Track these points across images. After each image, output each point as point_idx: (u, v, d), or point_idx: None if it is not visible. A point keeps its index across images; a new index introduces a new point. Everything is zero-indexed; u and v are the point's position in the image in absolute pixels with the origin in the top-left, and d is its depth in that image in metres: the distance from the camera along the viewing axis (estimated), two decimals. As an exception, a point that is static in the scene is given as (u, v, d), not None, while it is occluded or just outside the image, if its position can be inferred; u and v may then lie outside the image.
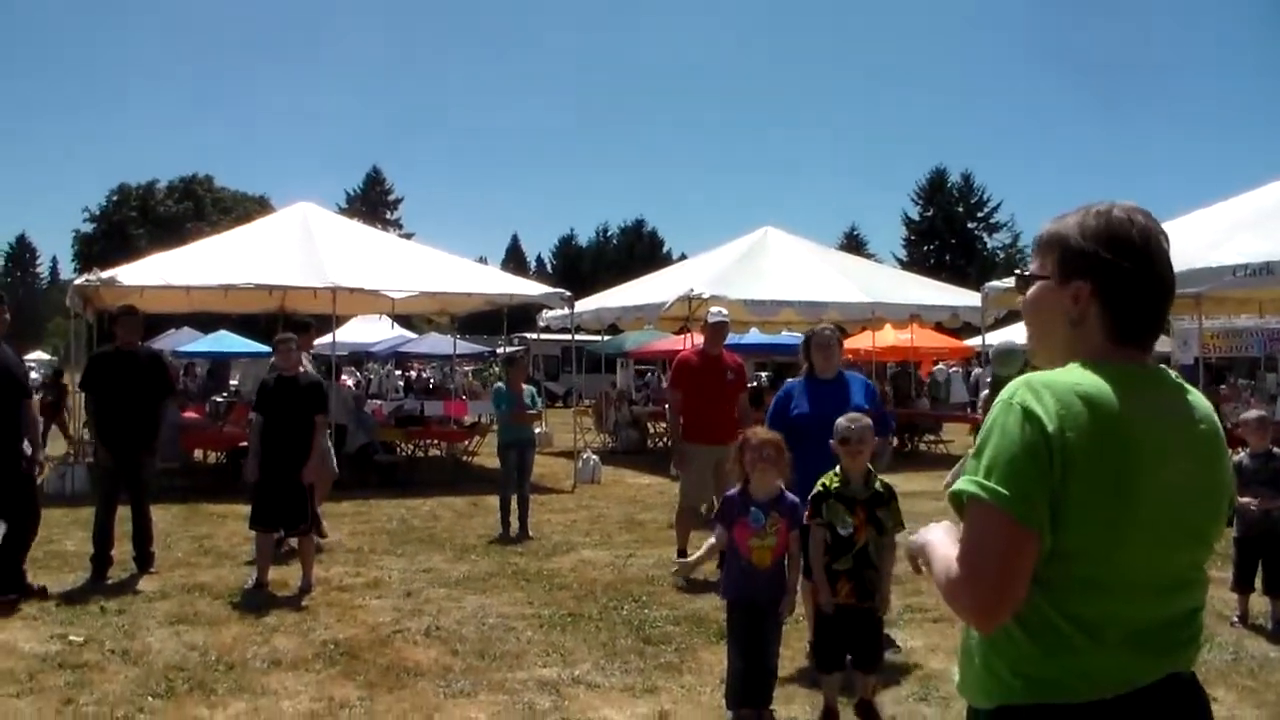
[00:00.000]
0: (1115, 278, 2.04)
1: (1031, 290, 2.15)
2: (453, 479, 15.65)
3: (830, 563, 5.22)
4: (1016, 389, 1.96)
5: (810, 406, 6.48)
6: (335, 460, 10.77)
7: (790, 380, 7.25)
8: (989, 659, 2.01)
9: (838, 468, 5.41)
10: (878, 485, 5.37)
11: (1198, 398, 2.10)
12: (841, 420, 5.43)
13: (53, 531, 8.64)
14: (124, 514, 8.84)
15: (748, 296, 17.65)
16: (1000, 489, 1.88)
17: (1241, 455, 7.72)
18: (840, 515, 5.21)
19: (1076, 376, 1.96)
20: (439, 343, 35.73)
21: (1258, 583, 7.41)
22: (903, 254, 74.39)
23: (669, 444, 11.84)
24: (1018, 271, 2.18)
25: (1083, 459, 1.88)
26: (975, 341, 21.45)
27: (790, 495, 5.39)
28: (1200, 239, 12.50)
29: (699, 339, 10.37)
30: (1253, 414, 7.98)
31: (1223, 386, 16.90)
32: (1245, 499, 7.38)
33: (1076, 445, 1.88)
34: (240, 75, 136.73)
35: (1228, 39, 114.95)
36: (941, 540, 2.11)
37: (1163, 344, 21.11)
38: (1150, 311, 2.07)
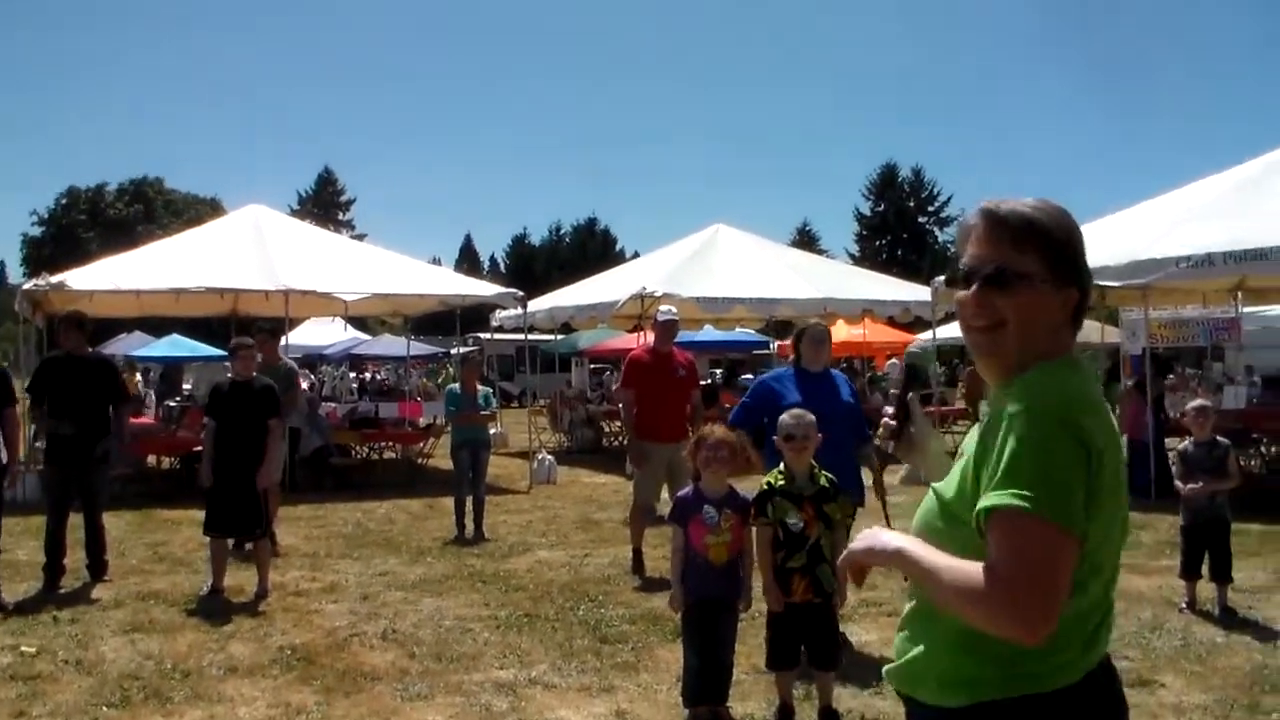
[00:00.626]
0: (1088, 283, 2.07)
1: (1024, 291, 2.00)
2: (408, 481, 15.63)
3: (785, 560, 5.24)
4: (1034, 396, 1.91)
5: (802, 398, 6.50)
6: (285, 465, 10.70)
7: (761, 374, 7.29)
8: (961, 660, 1.99)
9: (781, 465, 5.41)
10: (823, 480, 5.38)
11: None
12: (785, 417, 5.44)
13: (4, 541, 8.52)
14: (76, 521, 8.75)
15: (700, 294, 17.76)
16: (1047, 499, 1.83)
17: (1186, 444, 7.84)
18: (788, 512, 5.24)
19: (1071, 380, 1.97)
20: (393, 344, 35.56)
21: (1204, 570, 7.54)
22: (855, 249, 74.85)
23: (624, 443, 11.85)
24: (1005, 267, 2.00)
25: (1104, 461, 1.90)
26: (926, 336, 21.62)
27: (742, 493, 5.45)
28: (1146, 231, 12.72)
29: (652, 337, 10.43)
30: (1195, 404, 8.11)
31: (1170, 376, 17.11)
32: (1190, 486, 7.52)
33: (1103, 448, 1.90)
34: (191, 76, 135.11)
35: (1176, 30, 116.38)
36: (922, 546, 2.02)
37: (1112, 334, 21.36)
38: None
